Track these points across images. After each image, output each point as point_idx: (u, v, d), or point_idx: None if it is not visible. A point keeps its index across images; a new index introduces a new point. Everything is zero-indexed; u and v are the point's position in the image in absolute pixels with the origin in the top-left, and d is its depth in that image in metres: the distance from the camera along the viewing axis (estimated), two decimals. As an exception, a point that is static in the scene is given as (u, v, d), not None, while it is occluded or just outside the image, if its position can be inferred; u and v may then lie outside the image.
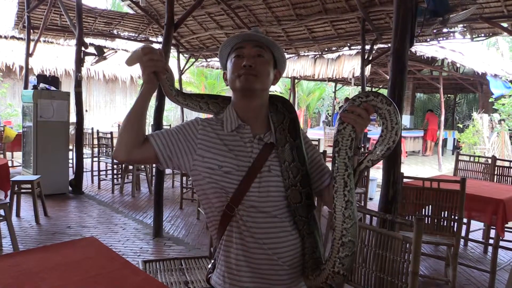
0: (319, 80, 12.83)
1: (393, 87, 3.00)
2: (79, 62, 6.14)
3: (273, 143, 1.24)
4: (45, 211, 4.90)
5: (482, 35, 6.29)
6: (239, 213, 1.19)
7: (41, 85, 6.07)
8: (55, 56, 11.49)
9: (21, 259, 1.63)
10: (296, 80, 12.39)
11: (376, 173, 6.43)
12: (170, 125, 11.23)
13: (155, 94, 1.53)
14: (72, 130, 6.84)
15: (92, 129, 7.02)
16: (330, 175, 1.27)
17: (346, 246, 1.07)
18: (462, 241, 4.06)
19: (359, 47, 7.07)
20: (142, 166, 6.51)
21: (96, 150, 6.73)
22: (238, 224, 1.20)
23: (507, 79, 9.87)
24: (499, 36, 9.20)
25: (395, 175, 3.01)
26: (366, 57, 6.54)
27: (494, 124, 9.57)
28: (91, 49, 6.47)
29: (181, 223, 4.88)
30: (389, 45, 3.33)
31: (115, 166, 6.41)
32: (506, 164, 4.89)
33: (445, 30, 6.22)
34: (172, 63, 8.61)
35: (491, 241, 3.83)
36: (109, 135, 6.33)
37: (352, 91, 17.36)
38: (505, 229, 3.48)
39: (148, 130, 8.47)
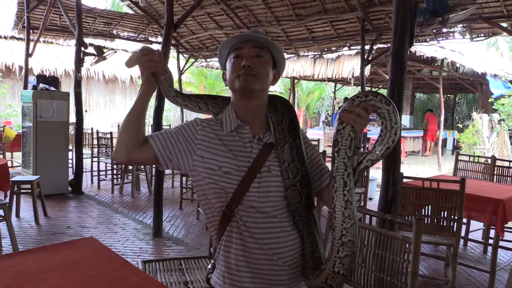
0: (319, 80, 12.83)
1: (393, 87, 3.00)
2: (79, 62, 6.15)
3: (272, 143, 1.24)
4: (44, 212, 4.90)
5: (482, 35, 6.29)
6: (239, 213, 1.19)
7: (41, 85, 6.07)
8: (55, 56, 11.49)
9: (21, 259, 1.63)
10: (295, 80, 12.39)
11: (376, 173, 6.43)
12: (169, 125, 11.23)
13: (154, 94, 1.53)
14: (71, 130, 6.85)
15: (92, 129, 7.03)
16: (329, 175, 1.27)
17: (346, 246, 1.07)
18: (461, 241, 4.06)
19: (359, 47, 7.07)
20: (142, 166, 6.52)
21: (95, 150, 6.73)
22: (238, 225, 1.20)
23: (506, 79, 9.88)
24: (498, 36, 9.19)
25: (395, 175, 3.01)
26: (365, 57, 6.54)
27: (494, 124, 9.57)
28: (90, 49, 6.47)
29: (181, 223, 4.88)
30: (389, 45, 3.33)
31: (114, 166, 6.42)
32: (506, 164, 4.89)
33: (444, 30, 6.22)
34: (172, 63, 8.59)
35: (490, 241, 3.83)
36: (108, 135, 6.33)
37: (351, 91, 17.37)
38: (505, 229, 3.48)
39: (148, 130, 8.47)
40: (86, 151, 7.07)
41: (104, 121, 12.82)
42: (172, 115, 14.64)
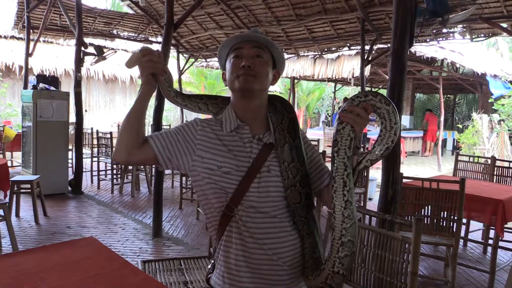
0: (319, 80, 12.83)
1: (393, 87, 3.00)
2: (79, 62, 6.15)
3: (272, 143, 1.24)
4: (44, 211, 4.90)
5: (482, 35, 6.29)
6: (239, 214, 1.19)
7: (41, 85, 6.07)
8: (55, 56, 11.49)
9: (21, 259, 1.63)
10: (295, 80, 12.39)
11: (376, 173, 6.43)
12: (169, 125, 11.24)
13: (154, 94, 1.53)
14: (71, 130, 6.84)
15: (92, 129, 7.03)
16: (329, 175, 1.27)
17: (346, 246, 1.07)
18: (461, 241, 4.06)
19: (359, 47, 7.07)
20: (142, 166, 6.51)
21: (95, 150, 6.73)
22: (238, 225, 1.20)
23: (506, 80, 9.88)
24: (498, 37, 9.21)
25: (395, 175, 3.01)
26: (365, 57, 6.54)
27: (494, 125, 9.58)
28: (90, 49, 6.47)
29: (181, 223, 4.88)
30: (389, 45, 3.33)
31: (114, 166, 6.42)
32: (506, 164, 4.89)
33: (444, 30, 6.22)
34: (172, 63, 8.59)
35: (490, 242, 3.83)
36: (108, 135, 6.33)
37: (351, 91, 17.37)
38: (505, 229, 3.48)
39: (148, 130, 8.47)
40: (86, 151, 7.07)
41: (104, 121, 12.82)
42: (172, 115, 14.64)
